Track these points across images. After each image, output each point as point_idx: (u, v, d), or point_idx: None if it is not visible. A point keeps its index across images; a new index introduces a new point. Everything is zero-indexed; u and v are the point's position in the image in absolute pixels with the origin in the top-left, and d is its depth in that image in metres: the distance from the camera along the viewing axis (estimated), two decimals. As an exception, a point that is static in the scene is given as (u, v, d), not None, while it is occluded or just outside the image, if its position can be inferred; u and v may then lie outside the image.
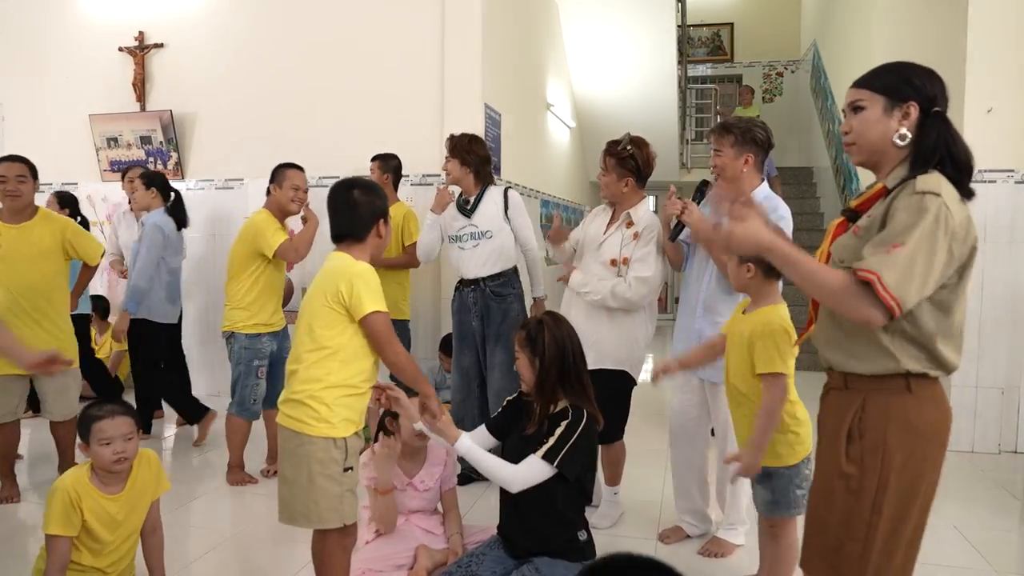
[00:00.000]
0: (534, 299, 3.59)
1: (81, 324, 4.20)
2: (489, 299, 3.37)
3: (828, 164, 7.96)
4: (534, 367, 2.23)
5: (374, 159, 4.16)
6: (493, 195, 3.41)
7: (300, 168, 3.41)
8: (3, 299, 3.13)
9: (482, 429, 2.41)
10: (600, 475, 2.91)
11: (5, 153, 3.45)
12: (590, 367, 2.40)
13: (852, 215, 1.62)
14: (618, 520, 3.05)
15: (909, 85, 1.51)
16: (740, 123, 2.59)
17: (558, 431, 2.14)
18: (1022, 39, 3.91)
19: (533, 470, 2.12)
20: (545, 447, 2.12)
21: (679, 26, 8.02)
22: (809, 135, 9.19)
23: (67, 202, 4.39)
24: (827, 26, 8.47)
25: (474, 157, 3.38)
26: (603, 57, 7.46)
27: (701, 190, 2.82)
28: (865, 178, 6.20)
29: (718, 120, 9.46)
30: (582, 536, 2.23)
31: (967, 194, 1.48)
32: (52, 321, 3.27)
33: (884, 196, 1.53)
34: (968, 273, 1.49)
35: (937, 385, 1.53)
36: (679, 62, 7.96)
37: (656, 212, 2.97)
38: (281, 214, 3.38)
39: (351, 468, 2.03)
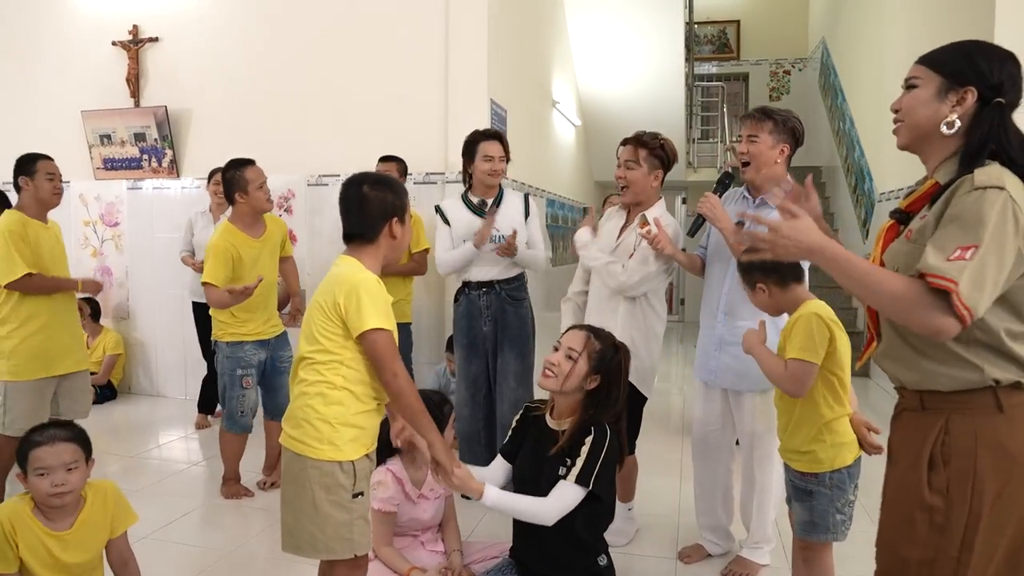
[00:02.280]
0: None
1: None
2: (505, 303, 3.19)
3: (838, 163, 7.81)
4: (579, 377, 2.08)
5: (391, 160, 4.00)
6: (512, 198, 3.24)
7: (252, 162, 3.20)
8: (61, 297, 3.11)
9: (499, 460, 2.27)
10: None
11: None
12: None
13: (902, 217, 1.46)
14: (634, 537, 2.90)
15: (972, 68, 1.34)
16: (780, 110, 2.44)
17: (584, 450, 2.00)
18: (1052, 32, 3.74)
19: (567, 498, 1.97)
20: (575, 471, 1.98)
21: (686, 23, 7.86)
22: (817, 134, 9.03)
23: None
24: (836, 23, 8.33)
25: (508, 156, 3.23)
26: (609, 54, 7.30)
27: (723, 182, 2.65)
28: (878, 178, 6.05)
29: (724, 120, 9.40)
30: (602, 561, 2.09)
31: None
32: (75, 321, 3.23)
33: (936, 194, 1.36)
34: None
35: None
36: (686, 60, 7.81)
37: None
38: (253, 217, 3.21)
39: (361, 493, 1.83)
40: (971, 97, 1.34)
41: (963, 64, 1.36)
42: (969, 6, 4.13)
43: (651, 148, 2.71)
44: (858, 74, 7.12)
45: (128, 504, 2.07)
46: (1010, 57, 1.36)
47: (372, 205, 1.83)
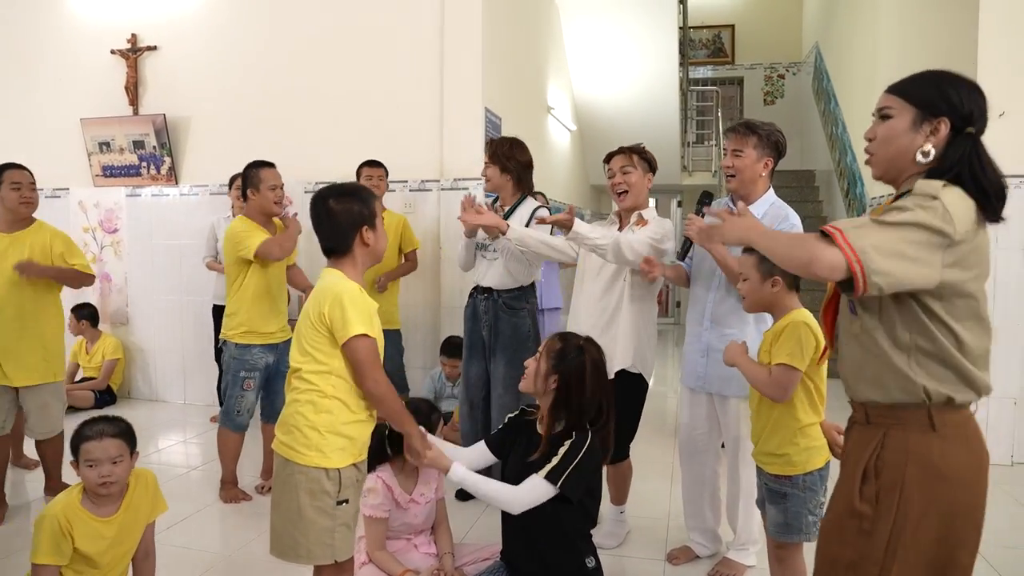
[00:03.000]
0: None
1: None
2: (501, 310, 3.26)
3: (831, 167, 7.87)
4: (547, 380, 2.11)
5: (378, 166, 4.10)
6: (525, 210, 3.27)
7: (271, 165, 3.30)
8: None
9: (481, 446, 2.32)
10: (605, 493, 2.81)
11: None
12: None
13: None
14: (624, 539, 2.96)
15: (945, 100, 1.39)
16: (764, 124, 2.50)
17: (561, 451, 2.06)
18: (1035, 41, 3.82)
19: (536, 491, 2.02)
20: (548, 467, 2.04)
21: (680, 28, 7.93)
22: (811, 138, 9.11)
23: None
24: (829, 28, 8.39)
25: (515, 163, 3.26)
26: (604, 59, 7.36)
27: (703, 202, 2.73)
28: (869, 182, 6.11)
29: (719, 124, 9.46)
30: (590, 563, 2.14)
31: (992, 218, 1.37)
32: (38, 332, 3.17)
33: None
34: (977, 289, 1.38)
35: (969, 423, 1.40)
36: (680, 64, 7.87)
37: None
38: (263, 217, 3.29)
39: (346, 501, 1.89)
40: (944, 128, 1.38)
41: (935, 95, 1.40)
42: (956, 12, 4.20)
43: (640, 153, 2.84)
44: (850, 79, 7.19)
45: (161, 493, 2.19)
46: (976, 88, 1.41)
47: (340, 217, 1.89)
